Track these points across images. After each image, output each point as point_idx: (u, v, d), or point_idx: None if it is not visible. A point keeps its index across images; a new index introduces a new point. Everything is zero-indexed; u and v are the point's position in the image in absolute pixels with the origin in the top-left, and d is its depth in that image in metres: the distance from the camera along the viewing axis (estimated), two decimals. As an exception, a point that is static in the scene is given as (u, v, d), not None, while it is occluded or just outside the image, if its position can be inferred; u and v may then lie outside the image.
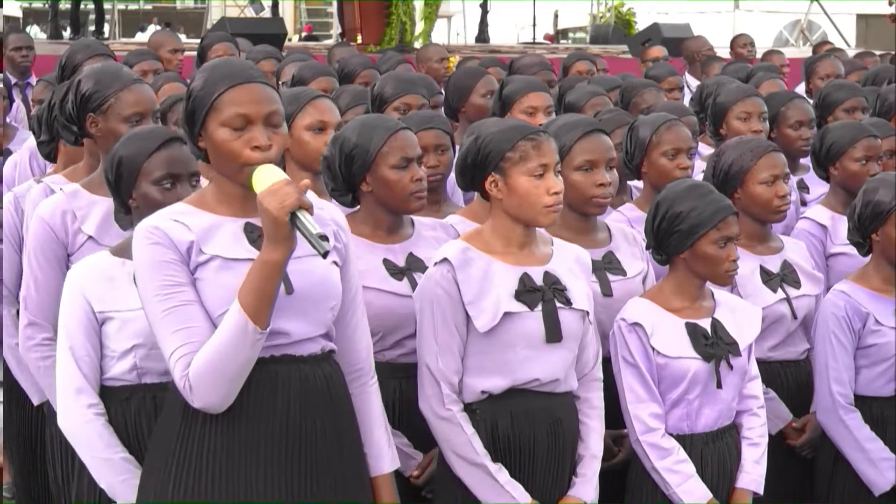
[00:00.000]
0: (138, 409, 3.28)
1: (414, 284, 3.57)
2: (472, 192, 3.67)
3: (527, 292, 3.39)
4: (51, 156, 4.58)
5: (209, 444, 2.91)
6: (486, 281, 3.38)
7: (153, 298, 2.88)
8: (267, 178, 2.81)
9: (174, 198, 3.21)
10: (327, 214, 3.08)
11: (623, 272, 3.81)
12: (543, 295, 3.39)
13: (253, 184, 2.83)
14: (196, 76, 2.97)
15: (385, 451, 3.18)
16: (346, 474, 3.03)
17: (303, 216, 2.76)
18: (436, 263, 3.41)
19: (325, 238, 2.74)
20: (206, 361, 2.83)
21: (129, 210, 3.37)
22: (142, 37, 22.01)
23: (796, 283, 4.09)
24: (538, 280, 3.41)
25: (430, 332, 3.38)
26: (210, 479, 2.91)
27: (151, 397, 3.28)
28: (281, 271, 2.82)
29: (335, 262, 3.03)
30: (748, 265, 4.01)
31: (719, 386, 3.64)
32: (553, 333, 3.39)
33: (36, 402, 4.19)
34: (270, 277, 2.81)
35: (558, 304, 3.40)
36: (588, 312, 3.46)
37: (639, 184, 4.67)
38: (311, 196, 2.87)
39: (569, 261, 3.48)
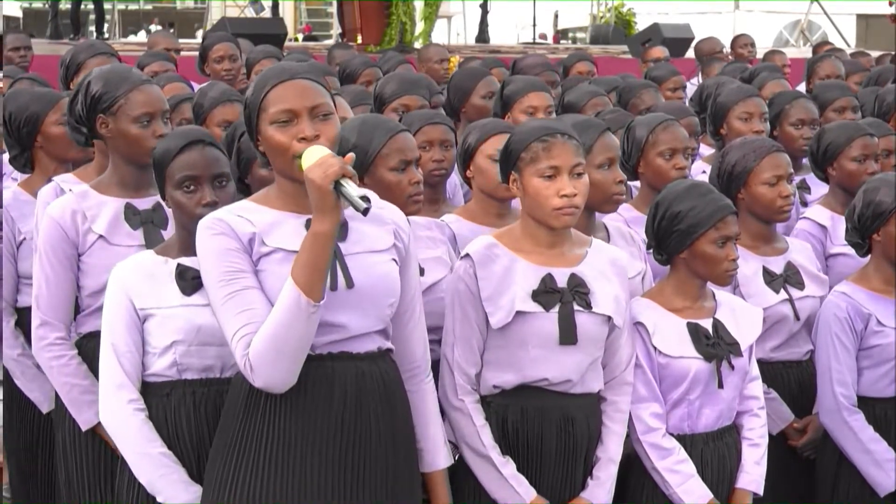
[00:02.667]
0: (178, 404, 3.30)
1: None
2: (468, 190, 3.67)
3: (545, 293, 3.40)
4: (27, 166, 4.55)
5: (268, 439, 2.98)
6: (506, 278, 3.39)
7: (216, 284, 2.95)
8: (312, 155, 2.89)
9: (196, 200, 3.31)
10: (388, 214, 3.15)
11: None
12: (562, 297, 3.40)
13: (303, 166, 2.89)
14: (250, 85, 3.07)
15: (440, 447, 3.26)
16: (398, 475, 3.08)
17: (346, 183, 2.83)
18: (461, 258, 3.45)
19: (366, 199, 2.82)
20: (264, 339, 2.88)
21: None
22: (134, 38, 22.01)
23: (800, 285, 4.09)
24: (562, 281, 3.41)
25: (451, 324, 3.43)
26: (267, 474, 2.97)
27: (191, 393, 3.30)
28: (331, 243, 2.88)
29: (394, 261, 3.09)
30: (751, 266, 4.01)
31: (721, 386, 3.64)
32: (567, 335, 3.39)
33: (45, 410, 4.21)
34: (322, 250, 2.87)
35: (577, 307, 3.40)
36: (611, 317, 3.45)
37: (636, 183, 4.67)
38: (374, 195, 2.97)
39: (603, 263, 3.48)
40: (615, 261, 3.51)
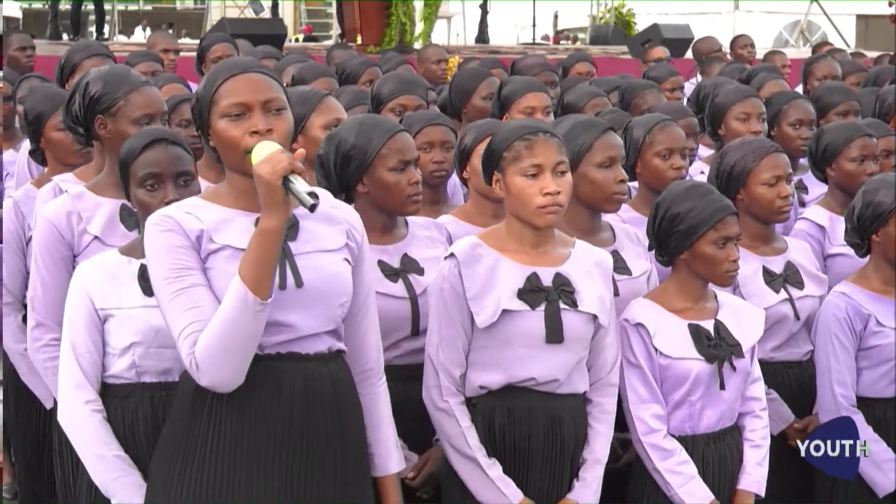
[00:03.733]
0: (136, 407, 3.29)
1: (408, 286, 3.58)
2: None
3: (530, 292, 3.38)
4: (43, 162, 4.58)
5: (214, 440, 2.93)
6: (491, 278, 3.38)
7: (163, 282, 2.91)
8: (263, 151, 2.84)
9: (159, 199, 3.27)
10: (341, 214, 3.11)
11: (628, 272, 3.81)
12: (548, 295, 3.39)
13: (252, 161, 2.85)
14: (201, 80, 3.03)
15: (393, 452, 3.21)
16: (348, 477, 3.03)
17: (295, 179, 2.80)
18: (445, 258, 3.43)
19: (314, 195, 2.78)
20: (210, 336, 2.84)
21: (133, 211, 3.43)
22: (124, 38, 21.99)
23: (799, 284, 4.09)
24: (547, 280, 3.40)
25: (436, 324, 3.40)
26: (213, 475, 2.93)
27: (149, 396, 3.29)
28: (279, 240, 2.84)
29: (346, 260, 3.05)
30: (751, 266, 4.01)
31: (722, 387, 3.63)
32: (553, 334, 3.39)
33: (49, 406, 4.21)
34: (269, 246, 2.83)
35: (563, 306, 3.40)
36: (597, 316, 3.44)
37: (635, 184, 4.66)
38: (326, 194, 2.94)
39: (587, 263, 3.47)
40: (599, 262, 3.51)
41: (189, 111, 5.13)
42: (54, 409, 4.04)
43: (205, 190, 3.21)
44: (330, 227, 3.06)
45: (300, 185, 2.79)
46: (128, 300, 3.28)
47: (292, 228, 2.98)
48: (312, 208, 2.78)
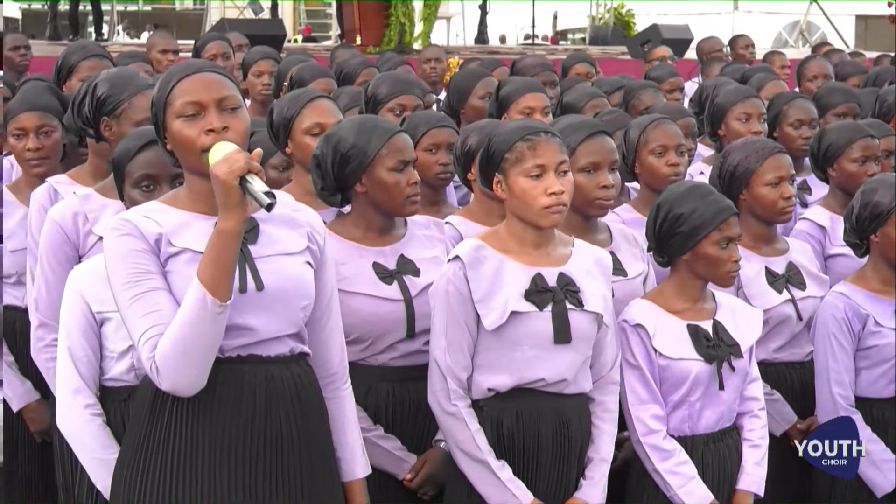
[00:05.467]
0: None
1: (403, 288, 3.57)
2: (468, 191, 3.65)
3: (537, 292, 3.38)
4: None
5: (175, 443, 2.91)
6: (496, 279, 3.38)
7: (122, 286, 2.88)
8: (219, 151, 2.83)
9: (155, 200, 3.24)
10: (303, 217, 3.08)
11: (624, 273, 3.81)
12: (554, 296, 3.39)
13: (210, 161, 2.83)
14: (155, 84, 3.01)
15: (359, 457, 3.18)
16: (313, 480, 3.01)
17: (251, 179, 2.78)
18: (449, 261, 3.42)
19: (271, 195, 2.76)
20: (170, 340, 2.82)
21: None
22: (124, 39, 21.98)
23: (801, 285, 4.08)
24: (551, 281, 3.40)
25: (441, 328, 3.39)
26: (175, 478, 2.91)
27: None
28: (236, 241, 2.82)
29: (308, 263, 3.03)
30: (753, 266, 4.01)
31: (721, 387, 3.63)
32: (562, 334, 3.38)
33: (15, 408, 4.25)
34: (227, 247, 2.81)
35: (569, 306, 3.39)
36: (601, 315, 3.44)
37: (637, 185, 4.66)
38: (288, 197, 2.94)
39: (588, 262, 3.47)
40: (599, 260, 3.51)
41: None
42: (22, 412, 4.09)
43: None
44: (291, 231, 3.04)
45: (257, 185, 2.77)
46: None
47: (252, 231, 2.96)
48: (269, 207, 2.76)
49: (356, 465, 3.17)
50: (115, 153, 3.40)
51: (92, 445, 3.24)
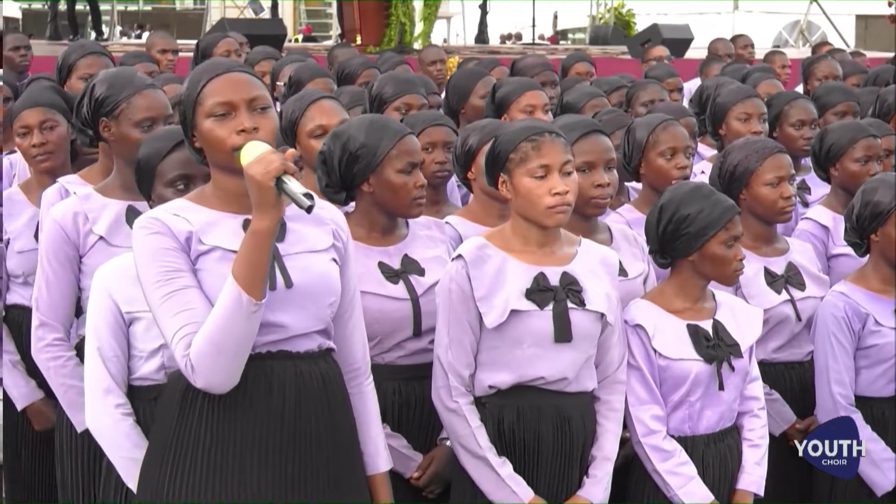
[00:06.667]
0: None
1: (409, 287, 3.57)
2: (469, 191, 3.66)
3: (538, 291, 3.39)
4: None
5: (205, 440, 2.93)
6: (498, 278, 3.39)
7: (154, 285, 2.90)
8: (252, 151, 2.84)
9: None
10: (328, 214, 3.11)
11: (624, 273, 3.80)
12: (556, 295, 3.40)
13: (242, 161, 2.85)
14: (185, 82, 3.03)
15: (381, 451, 3.21)
16: (341, 474, 3.03)
17: (288, 180, 2.79)
18: (452, 259, 3.44)
19: (310, 196, 2.77)
20: (205, 338, 2.84)
21: None
22: (124, 39, 21.95)
23: (801, 285, 4.09)
24: (554, 280, 3.41)
25: (444, 325, 3.41)
26: (204, 475, 2.92)
27: None
28: (271, 241, 2.84)
29: (334, 260, 3.06)
30: (752, 266, 4.01)
31: (721, 388, 3.63)
32: (562, 333, 3.39)
33: (20, 407, 4.26)
34: (261, 247, 2.83)
35: (571, 305, 3.40)
36: (604, 314, 3.45)
37: (638, 185, 4.66)
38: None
39: (593, 262, 3.48)
40: (605, 259, 3.51)
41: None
42: (26, 410, 4.09)
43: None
44: (317, 228, 3.06)
45: (295, 186, 2.79)
46: None
47: (280, 229, 2.97)
48: (309, 209, 2.78)
49: (379, 458, 3.21)
50: (143, 153, 3.40)
51: (123, 444, 3.25)
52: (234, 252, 2.89)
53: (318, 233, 3.06)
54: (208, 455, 2.92)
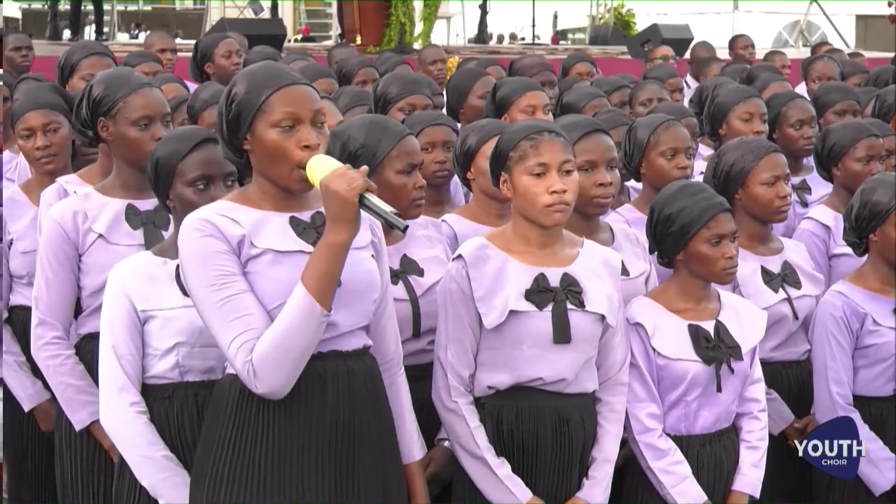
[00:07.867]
0: (181, 406, 3.31)
1: (408, 287, 3.58)
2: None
3: (538, 292, 3.39)
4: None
5: (262, 443, 2.96)
6: (498, 278, 3.39)
7: (207, 289, 2.93)
8: (325, 165, 2.89)
9: (208, 198, 3.26)
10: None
11: (626, 272, 3.80)
12: (556, 296, 3.40)
13: (310, 174, 2.90)
14: (237, 81, 3.03)
15: (416, 439, 3.29)
16: (387, 470, 3.09)
17: (371, 197, 2.85)
18: (453, 259, 3.45)
19: (399, 214, 2.84)
20: (271, 345, 2.87)
21: (169, 210, 3.43)
22: (124, 38, 21.94)
23: (797, 284, 4.09)
24: (554, 281, 3.41)
25: (444, 325, 3.42)
26: (263, 476, 2.96)
27: (193, 395, 3.31)
28: (345, 254, 2.89)
29: (373, 256, 3.11)
30: (749, 266, 4.01)
31: (719, 390, 3.63)
32: (561, 334, 3.39)
33: (27, 408, 4.25)
34: (335, 260, 2.88)
35: (570, 306, 3.40)
36: (605, 316, 3.45)
37: (637, 185, 4.67)
38: None
39: (595, 263, 3.48)
40: (607, 261, 3.51)
41: (188, 111, 5.17)
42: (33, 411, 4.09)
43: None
44: None
45: (381, 205, 2.85)
46: (168, 301, 3.29)
47: (324, 227, 2.98)
48: (405, 230, 2.85)
49: (414, 447, 3.28)
50: (160, 153, 3.39)
51: (138, 442, 3.25)
52: (285, 253, 2.94)
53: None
54: (267, 458, 2.96)
